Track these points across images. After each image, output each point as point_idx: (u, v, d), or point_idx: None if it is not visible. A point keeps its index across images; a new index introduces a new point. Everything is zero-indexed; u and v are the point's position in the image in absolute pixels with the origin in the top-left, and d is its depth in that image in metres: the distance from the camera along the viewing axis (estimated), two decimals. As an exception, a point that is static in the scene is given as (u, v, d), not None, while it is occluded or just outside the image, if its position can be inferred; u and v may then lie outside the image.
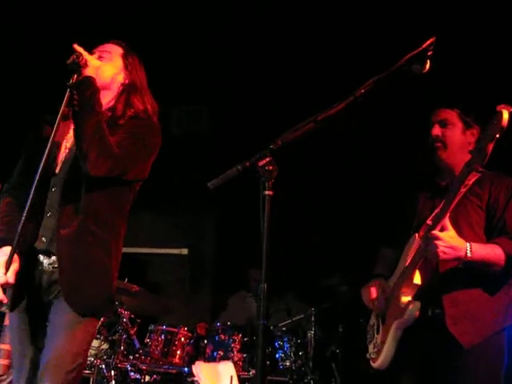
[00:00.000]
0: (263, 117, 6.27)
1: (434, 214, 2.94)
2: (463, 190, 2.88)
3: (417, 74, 2.40)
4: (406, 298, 2.92)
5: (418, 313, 2.87)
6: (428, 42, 2.38)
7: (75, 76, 2.70)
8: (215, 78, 6.45)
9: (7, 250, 2.64)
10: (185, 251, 7.57)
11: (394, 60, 2.36)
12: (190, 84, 6.60)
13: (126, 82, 3.02)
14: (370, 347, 3.20)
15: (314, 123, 2.31)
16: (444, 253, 2.78)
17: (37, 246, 2.78)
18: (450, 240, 2.79)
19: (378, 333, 3.15)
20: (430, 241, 2.80)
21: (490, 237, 2.97)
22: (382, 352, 3.03)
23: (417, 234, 3.02)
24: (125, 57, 3.02)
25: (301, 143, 2.28)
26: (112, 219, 2.87)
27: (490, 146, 2.70)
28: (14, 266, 2.65)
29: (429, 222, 2.95)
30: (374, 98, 2.33)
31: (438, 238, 2.78)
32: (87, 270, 2.76)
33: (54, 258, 2.76)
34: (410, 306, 2.88)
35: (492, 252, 2.86)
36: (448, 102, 3.23)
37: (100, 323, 4.85)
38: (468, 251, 2.80)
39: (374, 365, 3.10)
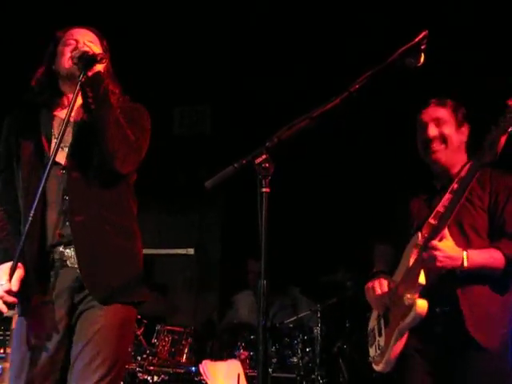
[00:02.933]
0: (266, 116, 6.27)
1: (435, 212, 2.91)
2: (472, 183, 2.83)
3: (411, 67, 2.40)
4: (411, 298, 2.86)
5: (424, 312, 2.82)
6: (421, 36, 2.36)
7: (84, 71, 2.63)
8: (218, 78, 6.46)
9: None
10: (191, 251, 7.58)
11: (387, 54, 2.36)
12: (193, 84, 6.61)
13: (106, 68, 2.89)
14: (372, 351, 3.15)
15: (310, 120, 2.31)
16: (441, 262, 2.79)
17: (53, 239, 2.70)
18: (447, 250, 2.79)
19: (380, 335, 3.10)
20: (428, 250, 2.81)
21: (493, 238, 2.95)
22: (384, 355, 2.99)
23: (420, 233, 2.97)
24: (102, 42, 2.91)
25: (305, 137, 2.28)
26: (127, 202, 2.84)
27: (503, 140, 2.67)
28: (19, 272, 2.60)
29: (431, 220, 2.92)
30: (370, 94, 2.33)
31: (436, 249, 2.78)
32: (108, 260, 2.69)
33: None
34: (416, 306, 2.83)
35: (490, 258, 2.85)
36: (438, 97, 3.15)
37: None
38: (465, 260, 2.79)
39: (377, 368, 3.05)
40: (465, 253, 2.81)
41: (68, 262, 2.71)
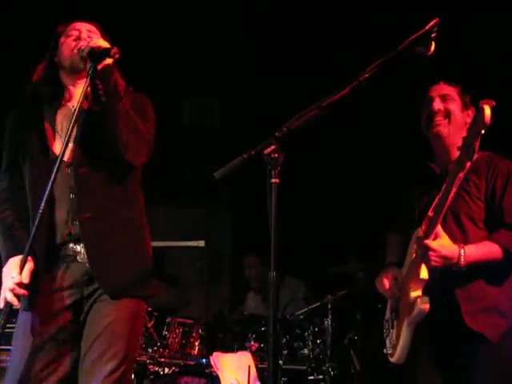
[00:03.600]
0: (275, 109, 6.25)
1: (434, 205, 2.89)
2: (459, 181, 2.80)
3: (421, 56, 2.38)
4: (414, 294, 2.89)
5: (427, 308, 2.84)
6: (431, 24, 2.34)
7: (94, 65, 2.63)
8: (227, 71, 6.44)
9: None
10: (202, 243, 7.58)
11: (396, 43, 2.34)
12: (202, 77, 6.60)
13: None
14: (387, 342, 3.18)
15: (319, 110, 2.30)
16: (435, 262, 2.79)
17: (62, 237, 2.71)
18: (441, 249, 2.79)
19: (392, 327, 3.13)
20: (422, 249, 2.82)
21: (490, 228, 2.94)
22: (397, 348, 3.02)
23: (420, 228, 2.97)
24: (104, 37, 2.90)
25: (316, 128, 2.27)
26: (134, 195, 2.85)
27: (477, 143, 2.67)
28: (29, 265, 2.61)
29: (430, 213, 2.91)
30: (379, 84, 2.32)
31: (429, 248, 2.78)
32: (118, 254, 2.70)
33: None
34: (419, 302, 2.85)
35: (487, 252, 2.86)
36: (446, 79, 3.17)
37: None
38: (461, 258, 2.79)
39: (392, 360, 3.08)
40: (462, 251, 2.80)
41: (78, 258, 2.72)
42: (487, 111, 2.63)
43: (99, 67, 2.65)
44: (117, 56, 2.67)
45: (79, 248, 2.72)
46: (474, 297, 2.89)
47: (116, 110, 2.66)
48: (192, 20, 6.00)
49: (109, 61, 2.67)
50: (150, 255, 2.86)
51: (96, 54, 2.65)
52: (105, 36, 2.91)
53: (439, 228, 2.81)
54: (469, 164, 2.72)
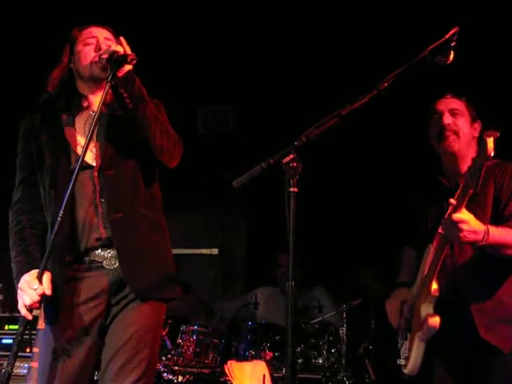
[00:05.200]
0: (290, 116, 6.26)
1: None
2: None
3: (440, 65, 2.37)
4: (425, 310, 2.90)
5: (437, 326, 2.84)
6: (451, 32, 2.34)
7: (113, 72, 2.62)
8: (241, 78, 6.45)
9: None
10: (215, 251, 7.58)
11: (414, 53, 2.33)
12: (217, 84, 6.61)
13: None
14: (401, 353, 3.17)
15: (338, 118, 2.29)
16: (465, 236, 2.73)
17: (91, 243, 2.69)
18: (471, 222, 2.73)
19: (406, 339, 3.13)
20: (453, 224, 2.74)
21: (497, 222, 2.91)
22: (410, 359, 3.01)
23: (431, 245, 2.98)
24: (116, 39, 2.88)
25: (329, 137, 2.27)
26: (157, 198, 2.87)
27: (482, 173, 2.63)
28: (48, 275, 2.58)
29: (441, 231, 2.90)
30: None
31: (462, 221, 2.71)
32: (147, 256, 2.70)
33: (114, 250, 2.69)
34: (429, 320, 2.86)
35: (508, 235, 2.81)
36: (454, 91, 3.17)
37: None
38: (487, 235, 2.74)
39: (405, 371, 3.07)
40: (485, 227, 2.76)
41: (104, 263, 2.70)
42: (490, 144, 2.59)
43: (120, 74, 2.64)
44: (134, 62, 2.67)
45: (107, 254, 2.70)
46: (488, 308, 2.87)
47: (146, 115, 2.68)
48: (205, 27, 6.00)
49: (129, 67, 2.66)
50: (173, 258, 2.87)
51: (115, 61, 2.64)
52: (116, 37, 2.89)
53: (464, 210, 2.76)
54: (471, 191, 2.70)
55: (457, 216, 2.72)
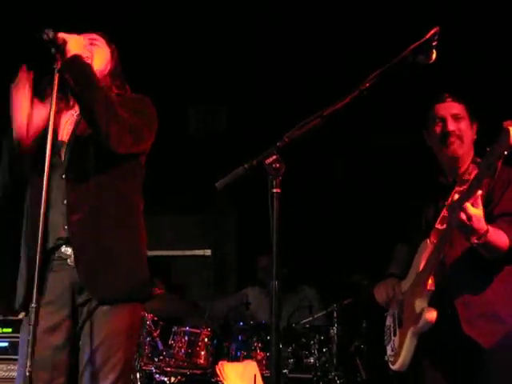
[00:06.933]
0: (282, 116, 6.26)
1: (441, 217, 2.92)
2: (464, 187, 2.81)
3: (422, 64, 2.39)
4: (421, 304, 2.89)
5: (434, 319, 2.84)
6: (432, 32, 2.35)
7: (59, 58, 2.58)
8: (233, 77, 6.46)
9: None
10: (208, 252, 7.59)
11: (395, 53, 2.34)
12: (209, 83, 6.61)
13: (113, 69, 2.93)
14: (388, 349, 3.18)
15: (321, 118, 2.31)
16: (473, 223, 2.68)
17: (54, 242, 2.70)
18: (479, 215, 2.72)
19: (394, 335, 3.14)
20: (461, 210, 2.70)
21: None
22: (399, 355, 3.02)
23: (428, 240, 2.99)
24: (109, 44, 2.93)
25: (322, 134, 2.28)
26: (130, 198, 2.83)
27: (499, 163, 2.64)
28: None
29: (438, 226, 2.92)
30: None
31: (470, 214, 2.67)
32: (107, 257, 2.68)
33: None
34: (426, 314, 2.85)
35: (500, 239, 2.82)
36: (452, 93, 3.18)
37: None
38: (487, 233, 2.73)
39: (393, 367, 3.08)
40: (489, 227, 2.75)
41: (68, 261, 2.71)
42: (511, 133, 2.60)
43: (64, 59, 2.61)
44: (60, 39, 2.60)
45: (70, 250, 2.70)
46: (472, 302, 2.89)
47: (90, 99, 2.62)
48: (196, 26, 6.00)
49: (74, 50, 2.62)
50: (144, 257, 2.83)
51: (53, 46, 2.59)
52: (111, 44, 2.95)
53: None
54: (486, 181, 2.71)
55: (467, 206, 2.67)
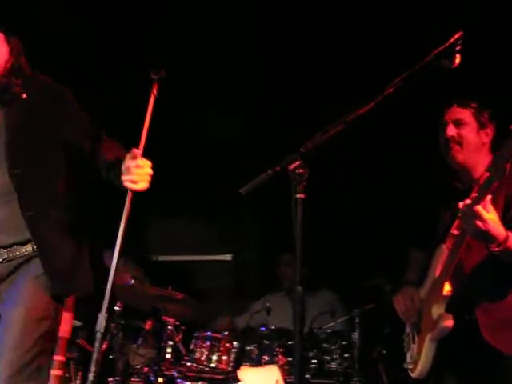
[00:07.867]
0: (300, 124, 6.26)
1: (457, 223, 2.92)
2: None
3: (446, 69, 2.39)
4: (437, 311, 2.90)
5: (451, 325, 2.85)
6: (456, 37, 2.36)
7: None
8: (252, 87, 6.47)
9: None
10: (228, 257, 7.59)
11: (417, 59, 2.35)
12: (227, 93, 6.63)
13: (13, 66, 2.87)
14: (408, 357, 3.18)
15: (344, 124, 2.32)
16: (477, 230, 2.68)
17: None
18: (495, 219, 2.70)
19: (413, 342, 3.14)
20: (472, 214, 2.70)
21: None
22: (418, 363, 3.02)
23: (444, 245, 3.00)
24: (8, 41, 2.86)
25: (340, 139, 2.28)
26: (69, 198, 2.84)
27: (508, 166, 2.65)
28: None
29: (454, 231, 2.91)
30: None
31: (479, 217, 2.65)
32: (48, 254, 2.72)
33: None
34: (442, 320, 2.86)
35: None
36: (462, 98, 3.18)
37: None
38: (507, 241, 2.71)
39: (413, 375, 3.09)
40: (508, 234, 2.72)
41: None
42: None
43: None
44: None
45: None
46: (492, 308, 2.88)
47: None
48: (216, 36, 6.02)
49: None
50: (80, 253, 2.82)
51: None
52: (9, 39, 2.88)
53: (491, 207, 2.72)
54: (495, 185, 2.70)
55: (478, 208, 2.66)
